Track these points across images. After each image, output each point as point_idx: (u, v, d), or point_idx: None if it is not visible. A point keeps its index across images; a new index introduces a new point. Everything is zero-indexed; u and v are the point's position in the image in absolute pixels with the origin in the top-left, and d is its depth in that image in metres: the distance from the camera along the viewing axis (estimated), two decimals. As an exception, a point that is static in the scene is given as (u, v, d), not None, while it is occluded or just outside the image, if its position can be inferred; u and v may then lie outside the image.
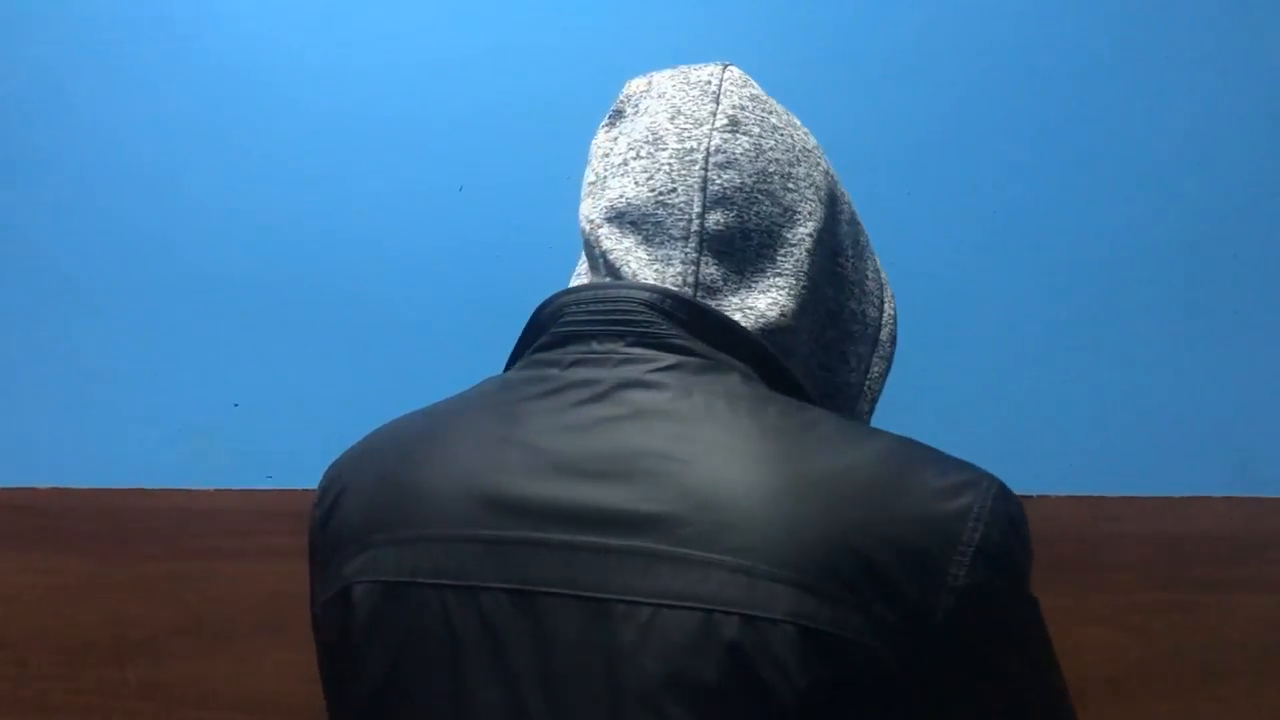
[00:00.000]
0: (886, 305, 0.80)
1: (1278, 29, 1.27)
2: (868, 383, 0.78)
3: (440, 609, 0.63)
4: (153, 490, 1.32)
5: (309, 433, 1.30)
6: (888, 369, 0.80)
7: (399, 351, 1.32)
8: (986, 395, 1.29)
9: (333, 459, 0.75)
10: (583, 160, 0.79)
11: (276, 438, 1.32)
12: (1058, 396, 1.28)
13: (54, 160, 1.34)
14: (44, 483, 1.33)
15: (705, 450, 0.61)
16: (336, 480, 0.73)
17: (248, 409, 1.33)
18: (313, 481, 0.75)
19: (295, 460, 1.30)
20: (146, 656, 1.31)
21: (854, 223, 0.79)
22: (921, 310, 1.28)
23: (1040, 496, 1.26)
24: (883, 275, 0.82)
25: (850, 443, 0.63)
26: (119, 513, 1.31)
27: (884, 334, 0.79)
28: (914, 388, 1.27)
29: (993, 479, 0.63)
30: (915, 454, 0.63)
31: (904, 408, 1.24)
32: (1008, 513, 0.61)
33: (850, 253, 0.77)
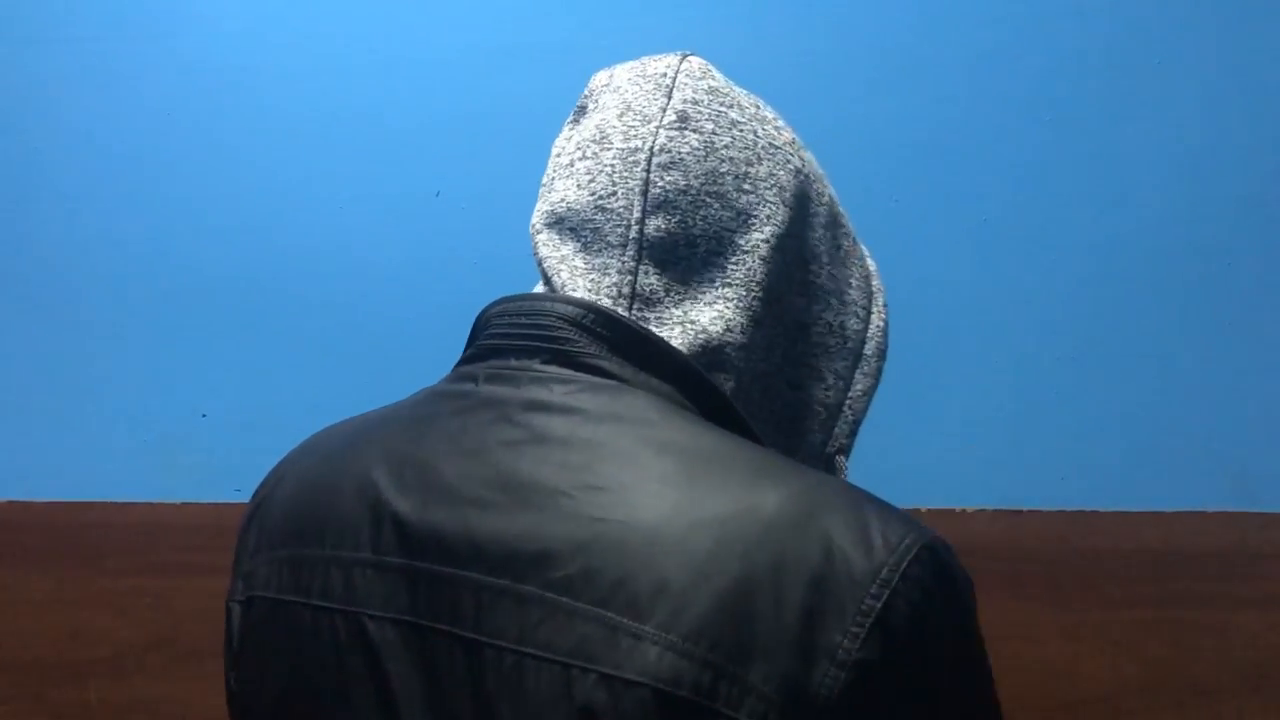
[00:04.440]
0: (874, 316, 0.74)
1: (1272, 35, 1.25)
2: (849, 401, 0.72)
3: (330, 633, 0.60)
4: (117, 504, 1.28)
5: (279, 445, 1.25)
6: (873, 386, 0.73)
7: (372, 361, 1.29)
8: (978, 407, 1.27)
9: None
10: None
11: (245, 449, 1.28)
12: (1051, 409, 1.26)
13: (14, 162, 1.30)
14: (2, 496, 1.30)
15: (595, 485, 0.56)
16: (268, 482, 0.70)
17: (215, 419, 1.30)
18: (280, 496, 0.73)
19: (264, 473, 1.26)
20: (109, 675, 1.28)
21: (833, 226, 0.73)
22: (911, 320, 1.26)
23: (1032, 511, 1.24)
24: (874, 284, 0.76)
25: (756, 483, 0.55)
26: (81, 527, 1.28)
27: (869, 348, 0.73)
28: (902, 400, 1.25)
29: (920, 538, 0.54)
30: (829, 499, 0.55)
31: (895, 422, 1.23)
32: (925, 581, 0.52)
33: (826, 259, 0.71)
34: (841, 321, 0.71)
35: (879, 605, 0.51)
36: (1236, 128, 1.26)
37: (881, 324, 0.74)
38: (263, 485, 0.71)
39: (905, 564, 0.52)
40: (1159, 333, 1.27)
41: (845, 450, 0.73)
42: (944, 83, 1.26)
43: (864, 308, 0.73)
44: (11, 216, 1.30)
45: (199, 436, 1.29)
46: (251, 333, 1.29)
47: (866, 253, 0.77)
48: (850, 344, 0.72)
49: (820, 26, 1.27)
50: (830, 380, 0.71)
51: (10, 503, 1.29)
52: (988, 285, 1.27)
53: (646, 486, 0.56)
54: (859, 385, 0.72)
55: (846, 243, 0.74)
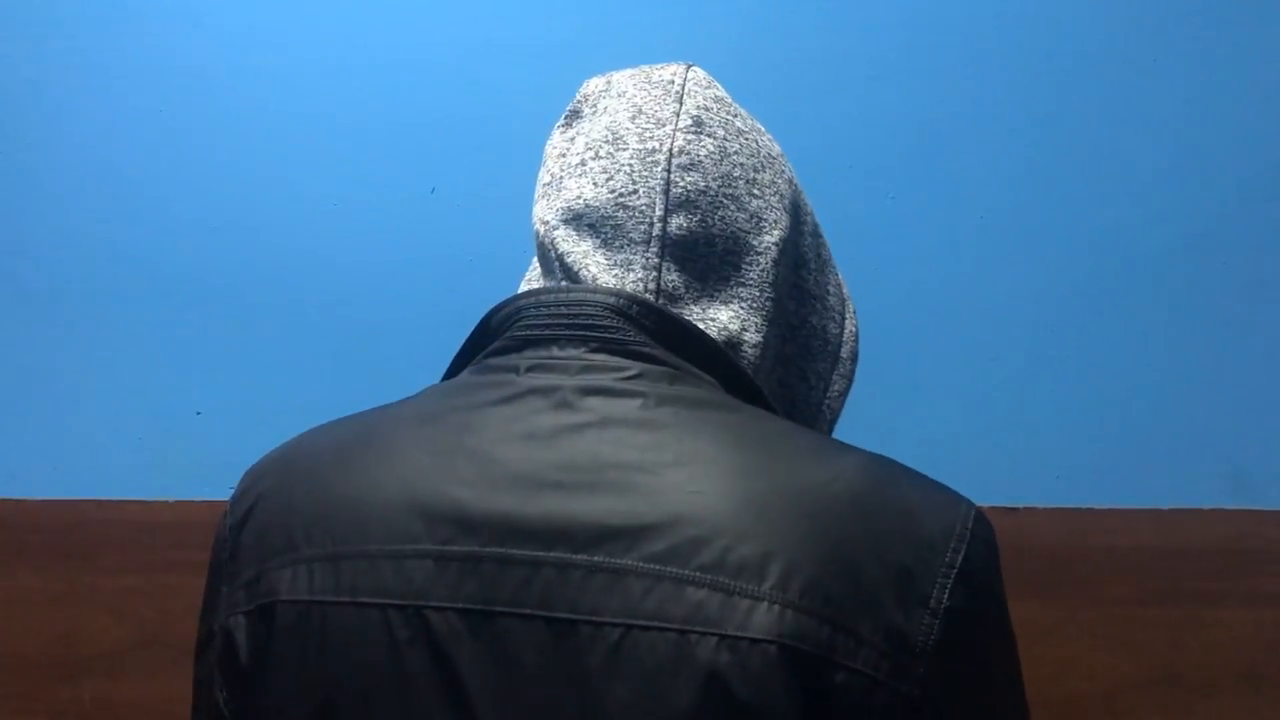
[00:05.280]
0: (848, 322, 0.78)
1: (1267, 31, 1.25)
2: (827, 401, 0.76)
3: (383, 630, 0.58)
4: (110, 501, 1.28)
5: (274, 443, 1.26)
6: (848, 388, 0.78)
7: (367, 358, 1.29)
8: (974, 404, 1.27)
9: None
10: (555, 162, 0.75)
11: (240, 448, 1.27)
12: (1048, 406, 1.26)
13: (6, 161, 1.29)
14: (-5, 494, 1.30)
15: (676, 461, 0.58)
16: (253, 487, 0.68)
17: (210, 417, 1.29)
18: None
19: (259, 470, 1.26)
20: (102, 675, 1.27)
21: (816, 235, 0.77)
22: (907, 318, 1.26)
23: (1028, 508, 1.24)
24: (844, 291, 0.80)
25: (826, 456, 0.61)
26: (75, 525, 1.28)
27: (844, 351, 0.77)
28: (900, 396, 1.25)
29: (970, 502, 0.61)
30: (893, 470, 0.62)
31: (890, 417, 1.23)
32: (986, 538, 0.60)
33: (813, 266, 0.75)
34: (824, 325, 0.75)
35: (960, 558, 0.57)
36: (1233, 126, 1.26)
37: (853, 329, 0.79)
38: (243, 495, 0.69)
39: (971, 523, 0.59)
40: (1156, 330, 1.26)
41: None
42: (941, 80, 1.26)
43: (840, 314, 0.78)
44: (4, 215, 1.30)
45: (194, 434, 1.29)
46: (246, 330, 1.29)
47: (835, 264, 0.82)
48: (830, 347, 0.76)
49: (817, 24, 1.26)
50: (813, 381, 0.75)
51: (4, 500, 1.29)
52: (984, 282, 1.27)
53: (728, 460, 0.59)
54: (836, 386, 0.76)
55: (825, 252, 0.78)
